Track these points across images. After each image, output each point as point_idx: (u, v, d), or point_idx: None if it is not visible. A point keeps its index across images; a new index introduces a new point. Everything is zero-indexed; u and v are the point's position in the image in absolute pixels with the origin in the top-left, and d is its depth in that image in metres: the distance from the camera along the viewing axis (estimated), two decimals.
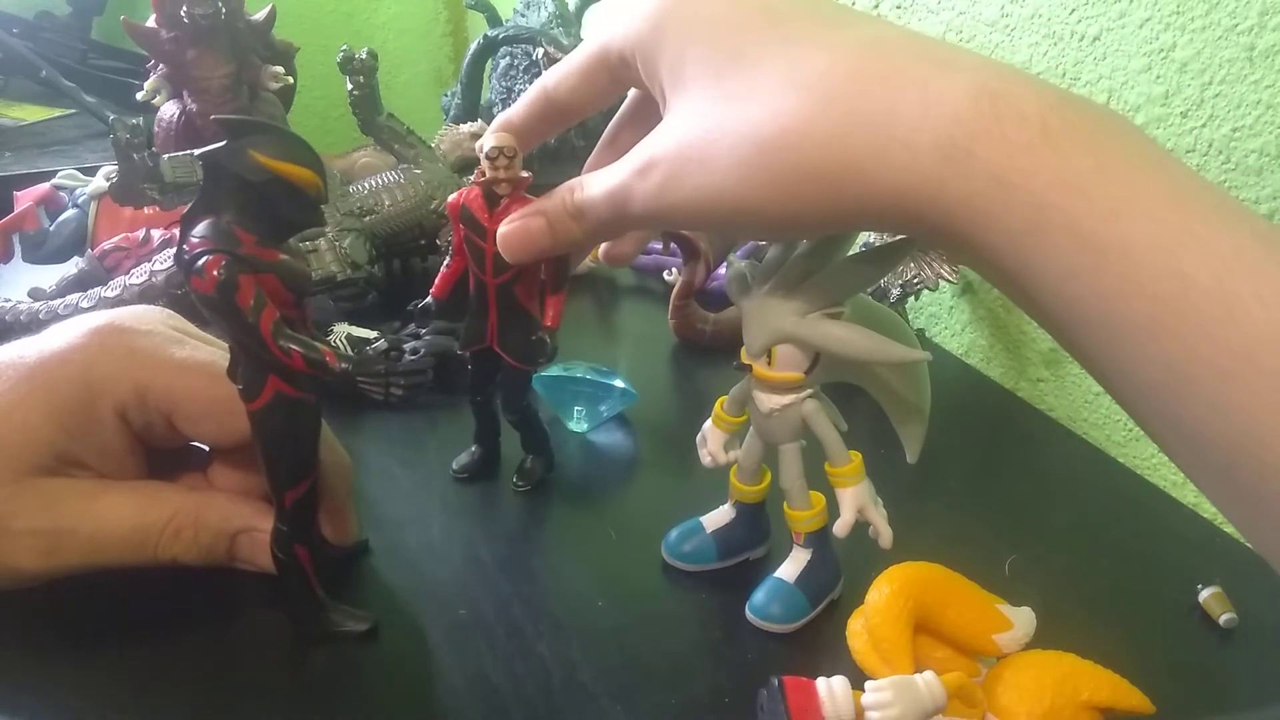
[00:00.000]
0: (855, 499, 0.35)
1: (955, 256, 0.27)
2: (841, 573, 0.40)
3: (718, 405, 0.39)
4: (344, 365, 0.31)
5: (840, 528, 0.35)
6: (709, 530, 0.42)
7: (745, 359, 0.36)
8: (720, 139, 0.28)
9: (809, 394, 0.35)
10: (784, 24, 0.28)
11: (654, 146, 0.30)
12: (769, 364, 0.35)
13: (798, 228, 0.30)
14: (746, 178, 0.27)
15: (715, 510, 0.42)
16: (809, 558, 0.39)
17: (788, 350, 0.34)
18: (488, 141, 0.38)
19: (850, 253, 0.34)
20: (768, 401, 0.36)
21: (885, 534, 0.36)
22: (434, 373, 0.55)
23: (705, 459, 0.40)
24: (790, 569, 0.39)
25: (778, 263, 0.34)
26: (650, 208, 0.30)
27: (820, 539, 0.39)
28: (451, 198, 0.41)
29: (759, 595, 0.39)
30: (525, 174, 0.40)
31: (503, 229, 0.35)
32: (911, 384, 0.36)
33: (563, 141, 0.95)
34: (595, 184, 0.32)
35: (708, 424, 0.40)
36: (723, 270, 0.67)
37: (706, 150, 0.28)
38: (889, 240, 0.33)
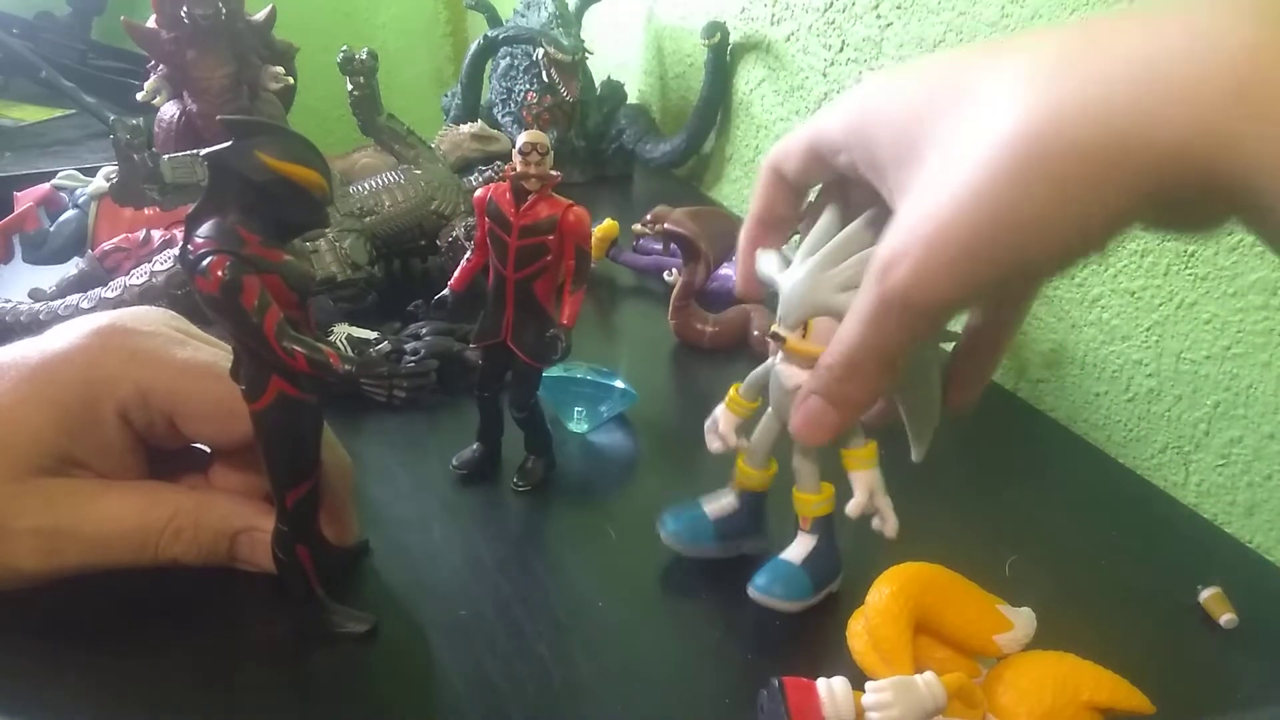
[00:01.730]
0: (868, 481, 0.36)
1: (1230, 215, 0.23)
2: (842, 566, 0.40)
3: (733, 390, 0.39)
4: (347, 366, 0.31)
5: (853, 507, 0.35)
6: (709, 513, 0.42)
7: (780, 332, 0.35)
8: (965, 178, 0.24)
9: None
10: (985, 62, 0.26)
11: (893, 237, 0.26)
12: (804, 336, 0.35)
13: (1082, 235, 0.24)
14: (1014, 199, 0.23)
15: (715, 494, 0.42)
16: (815, 543, 0.39)
17: (826, 324, 0.34)
18: (522, 137, 0.39)
19: None
20: (794, 377, 0.35)
21: (891, 522, 0.36)
22: (436, 373, 0.55)
23: (714, 444, 0.40)
24: (796, 552, 0.39)
25: (823, 238, 0.34)
26: (917, 293, 0.26)
27: (826, 526, 0.39)
28: (479, 192, 0.42)
29: (763, 574, 0.39)
30: (555, 172, 0.40)
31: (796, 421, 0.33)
32: (926, 380, 0.36)
33: (563, 141, 0.96)
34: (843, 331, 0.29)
35: (720, 408, 0.40)
36: (723, 271, 0.67)
37: (956, 201, 0.24)
38: None
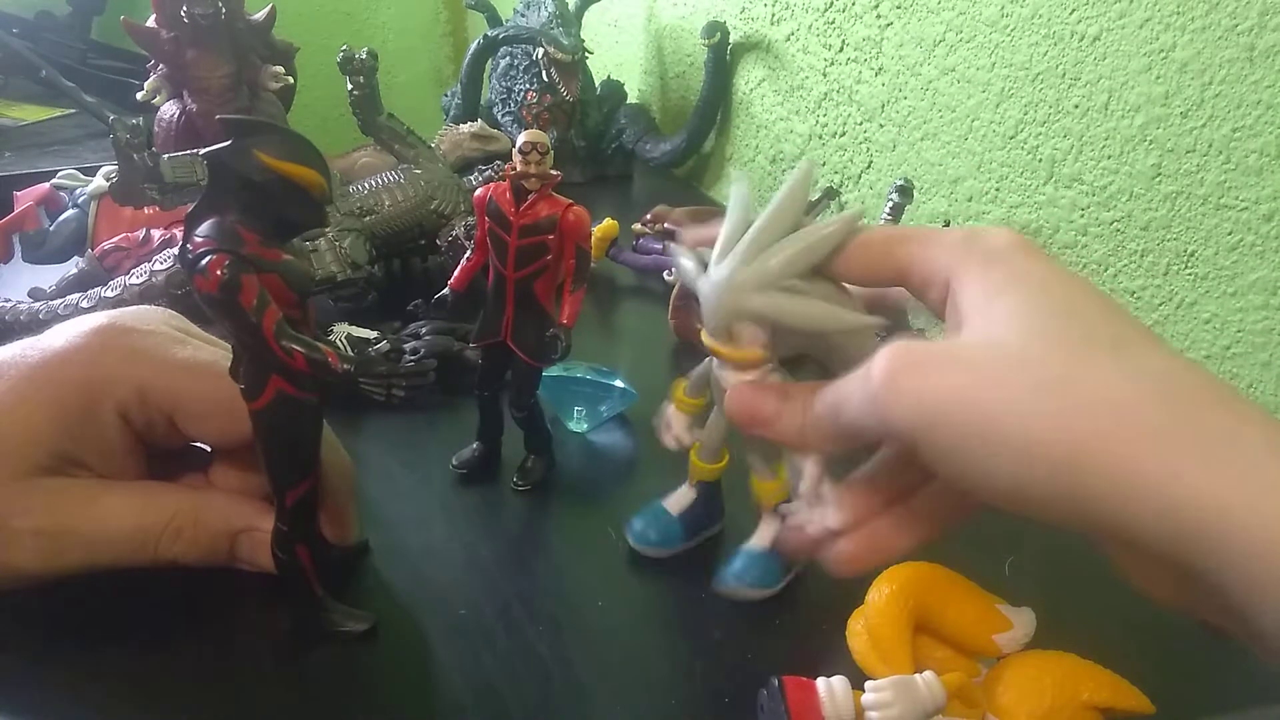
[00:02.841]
0: (816, 463, 0.35)
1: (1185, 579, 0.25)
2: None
3: (678, 390, 0.40)
4: (346, 366, 0.31)
5: (807, 482, 0.35)
6: (674, 513, 0.43)
7: (706, 340, 0.35)
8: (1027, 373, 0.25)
9: (770, 368, 0.35)
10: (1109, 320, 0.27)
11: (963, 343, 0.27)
12: (730, 343, 0.35)
13: (1071, 508, 0.25)
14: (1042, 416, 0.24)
15: (675, 492, 0.43)
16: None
17: (746, 328, 0.34)
18: (522, 137, 0.39)
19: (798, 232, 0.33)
20: (732, 379, 0.35)
21: (833, 511, 0.35)
22: (435, 373, 0.55)
23: (669, 442, 0.41)
24: (764, 538, 0.40)
25: (730, 243, 0.33)
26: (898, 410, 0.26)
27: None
28: (479, 191, 0.42)
29: (736, 564, 0.40)
30: (554, 172, 0.40)
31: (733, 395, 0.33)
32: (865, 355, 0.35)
33: (563, 141, 0.95)
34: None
35: (670, 408, 0.41)
36: None
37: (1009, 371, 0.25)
38: (832, 219, 0.32)
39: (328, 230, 0.62)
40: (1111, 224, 0.56)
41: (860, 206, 0.29)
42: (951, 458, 0.26)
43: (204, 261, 0.29)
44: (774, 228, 0.32)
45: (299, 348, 0.30)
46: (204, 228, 0.30)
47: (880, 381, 0.26)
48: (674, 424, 0.40)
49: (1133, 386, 0.25)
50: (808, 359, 0.36)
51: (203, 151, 0.30)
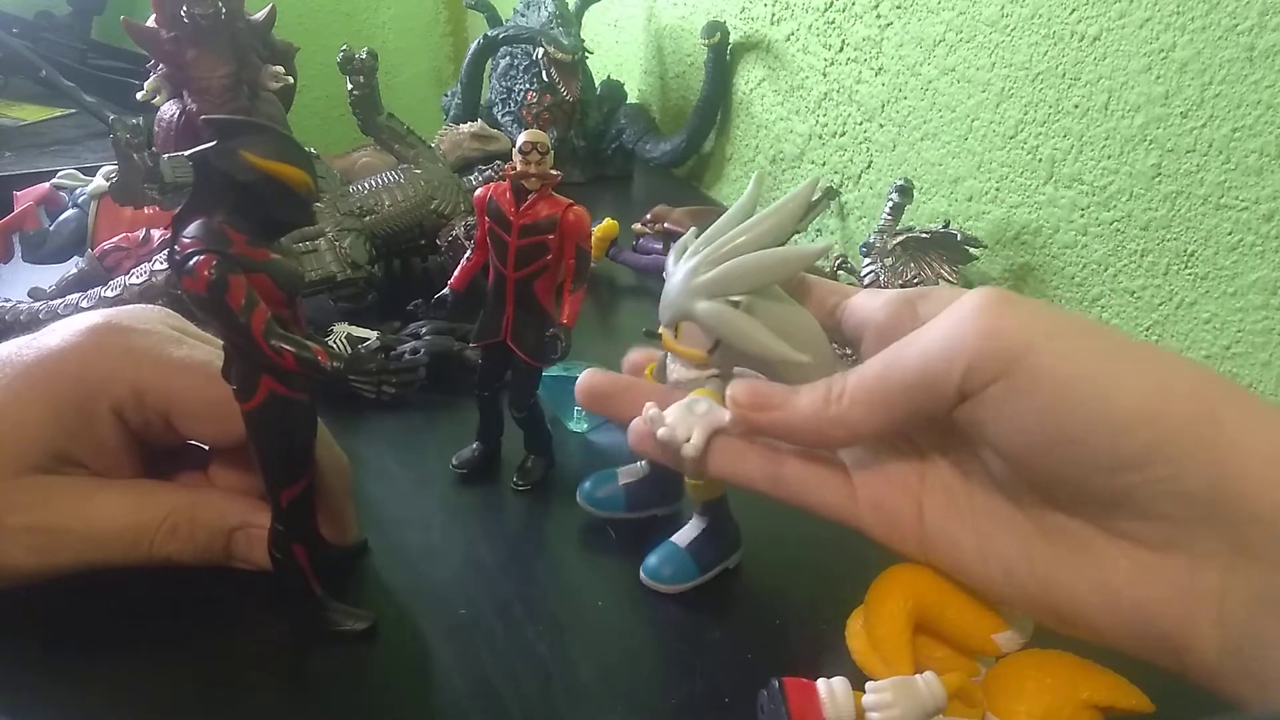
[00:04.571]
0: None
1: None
2: (740, 544, 0.42)
3: (647, 371, 0.40)
4: (336, 364, 0.31)
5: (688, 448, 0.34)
6: (621, 481, 0.44)
7: (659, 329, 0.36)
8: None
9: (712, 374, 0.35)
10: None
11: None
12: (675, 337, 0.35)
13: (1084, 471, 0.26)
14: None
15: (630, 465, 0.45)
16: (704, 526, 0.41)
17: (692, 328, 0.34)
18: (522, 137, 0.39)
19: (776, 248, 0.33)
20: (675, 372, 0.36)
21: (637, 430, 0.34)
22: (432, 371, 0.55)
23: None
24: (685, 535, 0.41)
25: (710, 239, 0.34)
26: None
27: (717, 509, 0.41)
28: (479, 191, 0.42)
29: (652, 558, 0.41)
30: (555, 172, 0.40)
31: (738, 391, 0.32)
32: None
33: (563, 141, 0.96)
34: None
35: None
36: None
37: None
38: (807, 243, 0.32)
39: (327, 230, 0.62)
40: (1111, 224, 0.56)
41: (831, 239, 0.29)
42: (1071, 374, 0.25)
43: (191, 262, 0.29)
44: (753, 238, 0.33)
45: (288, 347, 0.30)
46: (191, 228, 0.30)
47: (983, 303, 0.26)
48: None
49: (1189, 362, 0.26)
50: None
51: (188, 152, 0.30)
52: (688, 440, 0.32)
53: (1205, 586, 0.25)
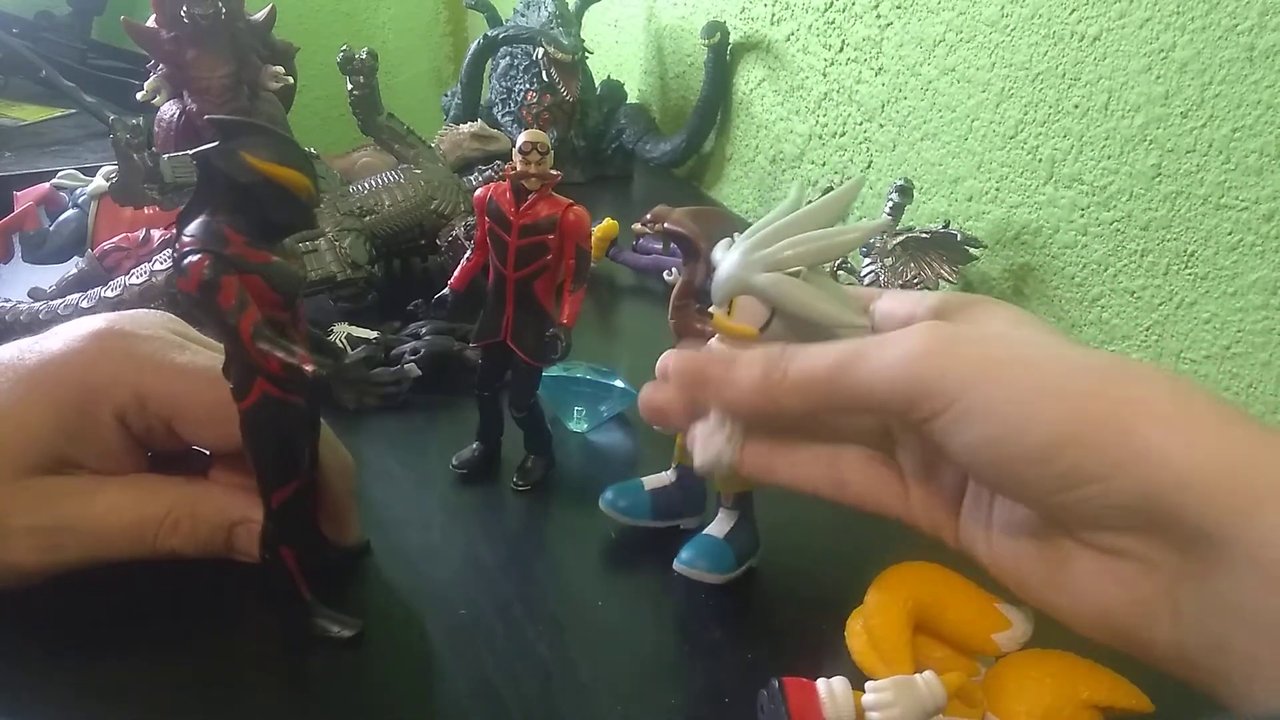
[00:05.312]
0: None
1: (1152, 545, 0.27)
2: (760, 543, 0.41)
3: None
4: (319, 371, 0.31)
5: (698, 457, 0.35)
6: (647, 488, 0.44)
7: (713, 311, 0.36)
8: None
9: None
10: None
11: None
12: (728, 314, 0.35)
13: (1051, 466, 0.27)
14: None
15: (658, 473, 0.44)
16: (736, 518, 0.40)
17: (747, 302, 0.34)
18: (522, 137, 0.39)
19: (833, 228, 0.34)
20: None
21: (701, 459, 0.34)
22: (432, 372, 0.55)
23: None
24: (720, 527, 0.41)
25: (759, 229, 0.34)
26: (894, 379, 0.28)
27: (745, 503, 0.40)
28: (479, 191, 0.42)
29: (688, 549, 0.40)
30: (554, 172, 0.40)
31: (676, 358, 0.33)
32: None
33: (563, 141, 0.95)
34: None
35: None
36: None
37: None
38: (862, 222, 0.33)
39: (328, 230, 0.62)
40: (1111, 224, 0.56)
41: (883, 220, 0.30)
42: (994, 412, 0.27)
43: (186, 261, 0.29)
44: (802, 223, 0.33)
45: (274, 351, 0.30)
46: (192, 227, 0.30)
47: (927, 344, 0.28)
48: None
49: (1148, 367, 0.28)
50: None
51: (191, 152, 0.30)
52: (726, 459, 0.33)
53: (1159, 591, 0.26)
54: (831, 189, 0.78)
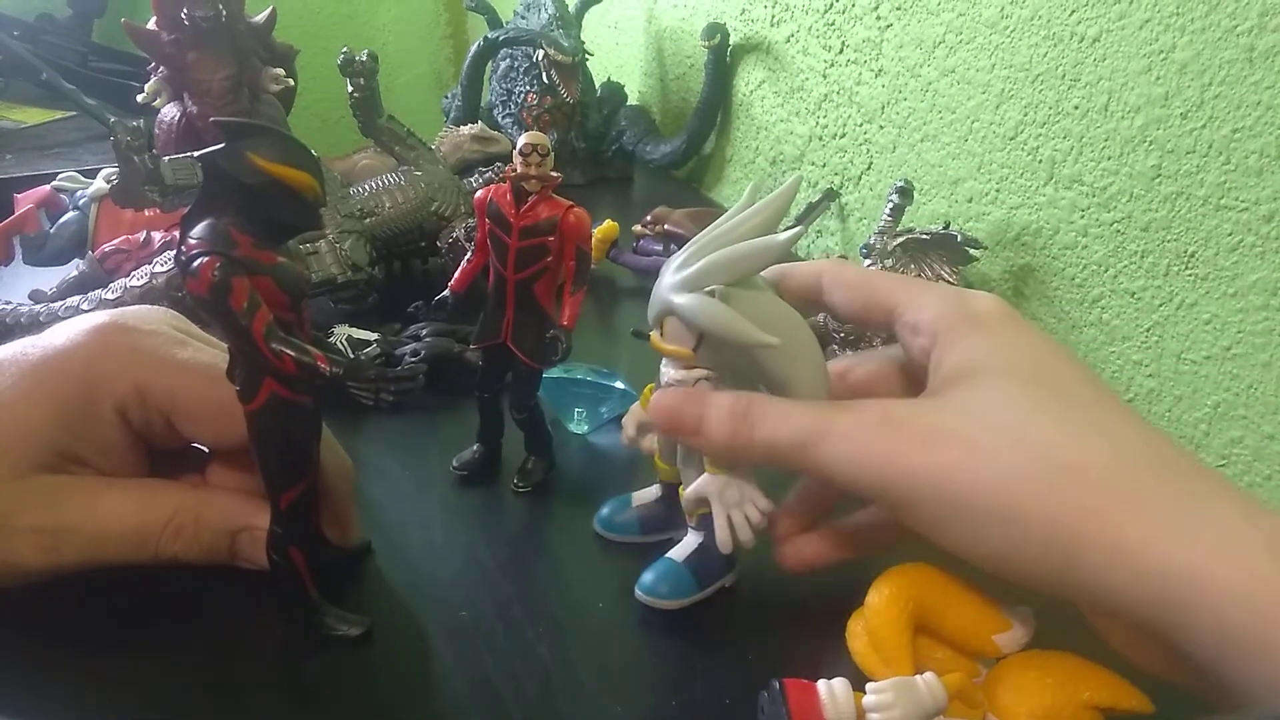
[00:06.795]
0: (704, 484, 0.36)
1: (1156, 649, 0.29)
2: (736, 562, 0.40)
3: (647, 389, 0.40)
4: (335, 370, 0.31)
5: (685, 493, 0.37)
6: (635, 505, 0.44)
7: (648, 330, 0.36)
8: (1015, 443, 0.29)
9: (703, 375, 0.35)
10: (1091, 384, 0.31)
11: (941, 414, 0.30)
12: (661, 335, 0.35)
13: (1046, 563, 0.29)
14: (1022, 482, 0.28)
15: (645, 489, 0.44)
16: (700, 540, 0.39)
17: (675, 325, 0.34)
18: (522, 139, 0.40)
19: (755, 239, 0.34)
20: (667, 375, 0.36)
21: (721, 538, 0.36)
22: (432, 373, 0.55)
23: (623, 438, 0.43)
24: (680, 550, 0.40)
25: (694, 244, 0.34)
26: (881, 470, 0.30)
27: (710, 521, 0.39)
28: (479, 193, 0.42)
29: (648, 575, 0.40)
30: (555, 174, 0.40)
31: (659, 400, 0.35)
32: (797, 381, 0.35)
33: (563, 143, 0.96)
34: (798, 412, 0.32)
35: (635, 404, 0.42)
36: None
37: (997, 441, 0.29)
38: (772, 237, 0.33)
39: (328, 232, 0.62)
40: (1112, 225, 0.56)
41: (798, 229, 0.30)
42: (943, 527, 0.29)
43: (195, 263, 0.29)
44: (736, 236, 0.33)
45: (288, 351, 0.30)
46: (198, 229, 0.30)
47: (874, 447, 0.30)
48: (627, 418, 0.42)
49: (1115, 457, 0.28)
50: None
51: (197, 153, 0.30)
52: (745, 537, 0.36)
53: (1156, 649, 0.28)
54: (831, 189, 0.78)
